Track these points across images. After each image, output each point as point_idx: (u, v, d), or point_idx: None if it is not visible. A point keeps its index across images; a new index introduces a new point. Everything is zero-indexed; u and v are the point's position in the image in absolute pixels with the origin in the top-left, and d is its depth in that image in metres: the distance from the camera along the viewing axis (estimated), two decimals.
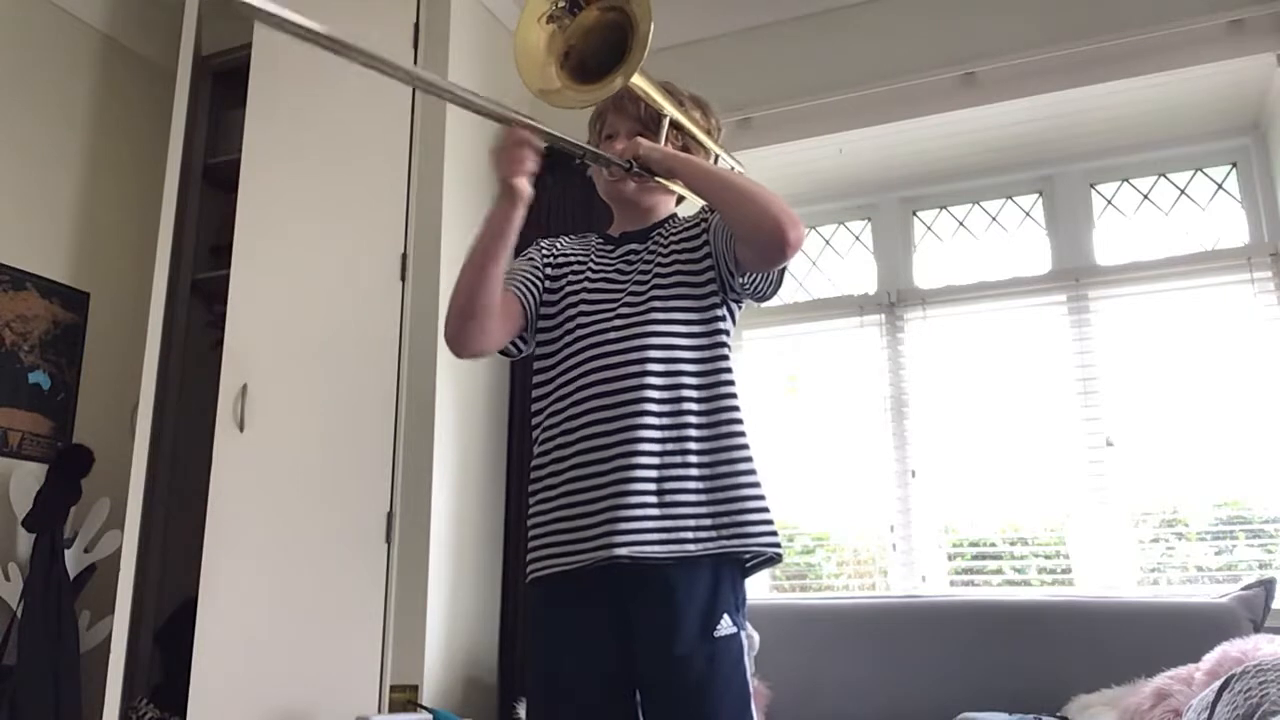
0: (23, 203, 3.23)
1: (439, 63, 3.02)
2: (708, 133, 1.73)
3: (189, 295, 3.41)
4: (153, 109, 3.50)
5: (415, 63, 2.94)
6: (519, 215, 1.47)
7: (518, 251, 1.60)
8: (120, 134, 3.56)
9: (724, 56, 3.37)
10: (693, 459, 1.50)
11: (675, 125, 1.66)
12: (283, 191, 2.98)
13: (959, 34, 3.09)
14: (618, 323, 1.56)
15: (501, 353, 1.64)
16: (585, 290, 1.62)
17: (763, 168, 3.24)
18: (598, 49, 1.50)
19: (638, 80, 1.56)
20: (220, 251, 3.36)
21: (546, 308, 1.64)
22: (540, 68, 1.52)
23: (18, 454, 3.10)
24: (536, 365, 1.63)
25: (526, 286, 1.63)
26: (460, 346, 1.55)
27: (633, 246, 1.66)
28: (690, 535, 1.46)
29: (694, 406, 1.52)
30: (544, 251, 1.70)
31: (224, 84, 3.52)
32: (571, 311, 1.61)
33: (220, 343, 2.98)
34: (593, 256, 1.68)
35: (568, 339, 1.59)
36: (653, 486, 1.47)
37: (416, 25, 2.99)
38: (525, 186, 1.46)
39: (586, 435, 1.51)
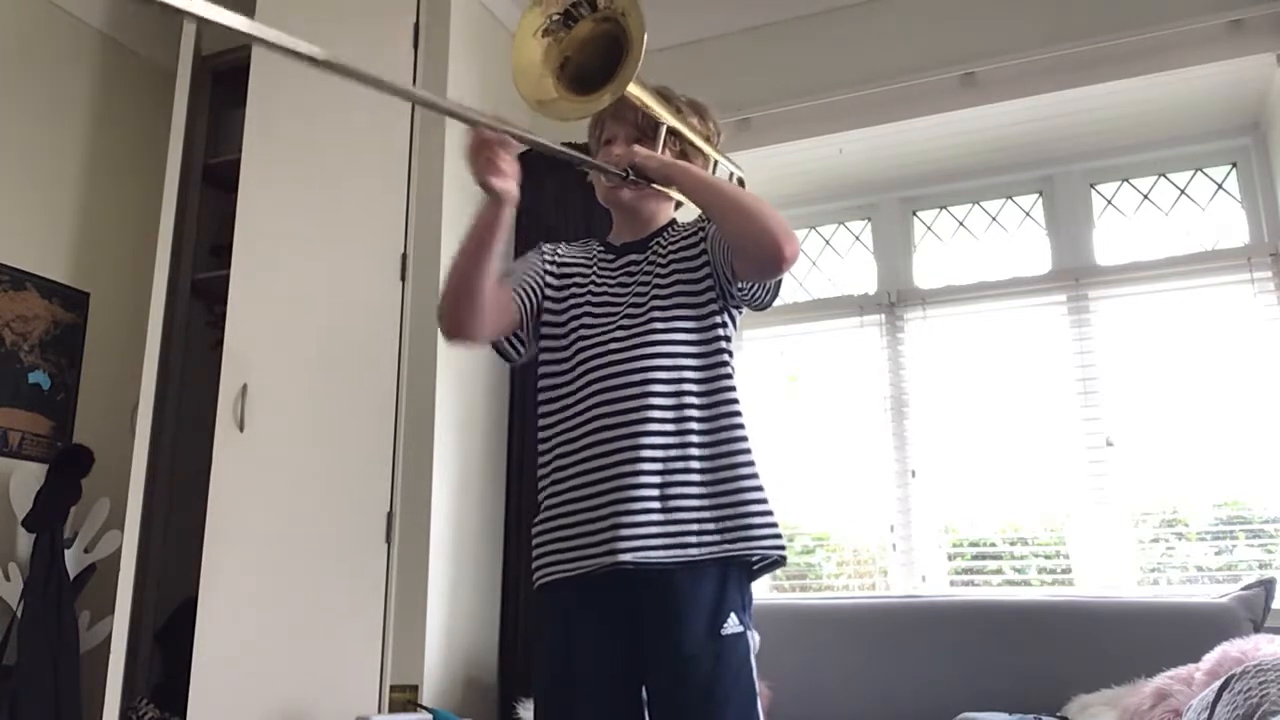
0: (23, 203, 3.23)
1: (439, 63, 3.02)
2: (706, 138, 1.73)
3: (189, 295, 3.41)
4: (153, 109, 3.50)
5: (415, 63, 2.94)
6: (505, 216, 1.46)
7: (519, 253, 1.61)
8: (120, 134, 3.56)
9: (724, 56, 3.37)
10: (695, 464, 1.51)
11: (673, 132, 1.66)
12: (283, 191, 2.98)
13: (959, 34, 3.09)
14: (619, 334, 1.56)
15: (499, 352, 1.64)
16: (589, 302, 1.63)
17: (762, 168, 3.25)
18: (593, 60, 1.51)
19: (634, 89, 1.57)
20: (220, 251, 3.36)
21: (551, 315, 1.64)
22: (537, 80, 1.53)
23: (18, 454, 3.10)
24: (541, 372, 1.63)
25: (526, 290, 1.63)
26: (449, 330, 1.55)
27: (633, 257, 1.67)
28: (694, 540, 1.47)
29: (696, 414, 1.53)
30: (546, 257, 1.70)
31: (224, 84, 3.52)
32: (575, 324, 1.61)
33: (220, 343, 2.98)
34: (595, 268, 1.68)
35: (574, 349, 1.59)
36: (656, 492, 1.48)
37: (416, 25, 2.99)
38: (507, 188, 1.42)
39: (591, 443, 1.51)
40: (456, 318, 1.53)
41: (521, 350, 1.66)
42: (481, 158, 1.40)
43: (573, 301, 1.64)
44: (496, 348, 1.64)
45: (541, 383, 1.63)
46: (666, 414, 1.51)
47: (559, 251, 1.72)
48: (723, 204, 1.52)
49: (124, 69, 3.61)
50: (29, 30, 3.30)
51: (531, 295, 1.64)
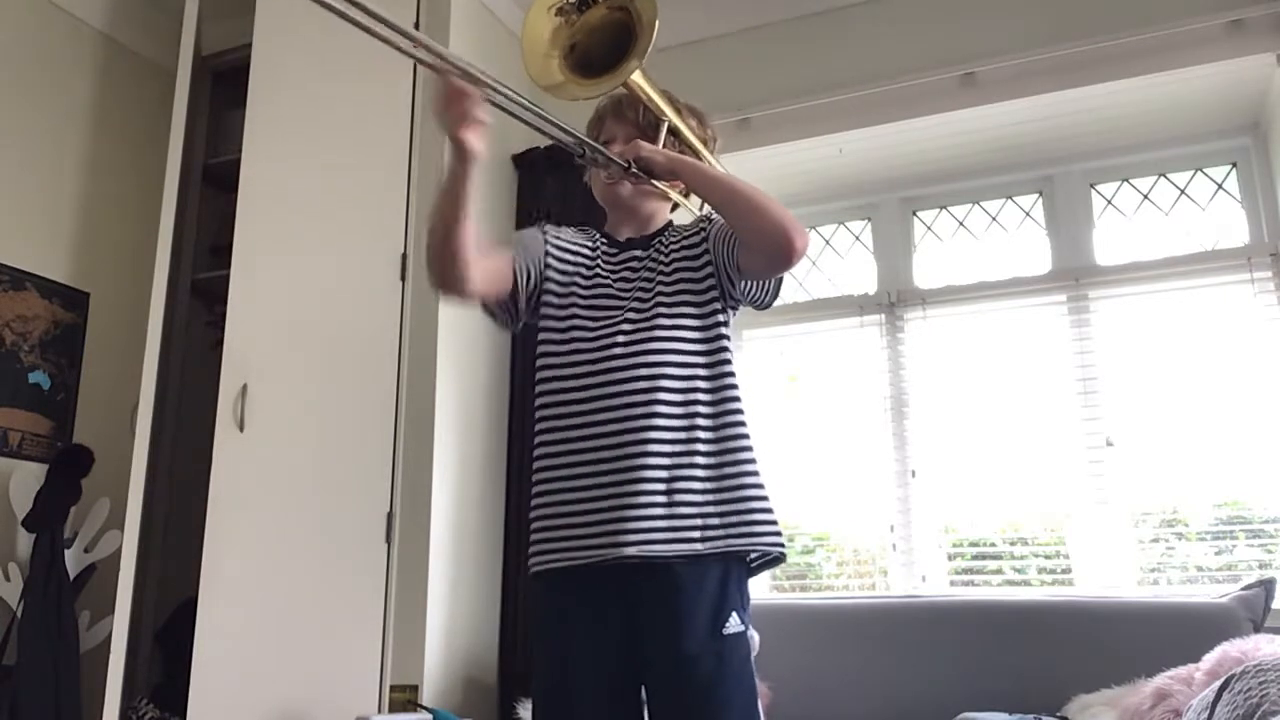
0: (23, 203, 3.23)
1: None
2: (704, 143, 1.73)
3: (189, 295, 3.41)
4: (153, 109, 3.50)
5: (415, 63, 2.94)
6: (473, 174, 1.42)
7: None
8: (120, 134, 3.56)
9: (724, 56, 3.37)
10: (700, 459, 1.50)
11: (673, 132, 1.66)
12: (283, 191, 2.98)
13: (959, 34, 3.09)
14: (625, 327, 1.55)
15: (487, 314, 1.62)
16: (593, 294, 1.61)
17: (762, 168, 3.25)
18: (601, 47, 1.51)
19: (641, 81, 1.56)
20: (220, 251, 3.36)
21: (553, 301, 1.62)
22: (542, 58, 1.53)
23: (18, 454, 3.10)
24: (541, 361, 1.61)
25: (527, 265, 1.60)
26: (435, 282, 1.51)
27: (635, 253, 1.66)
28: (698, 534, 1.47)
29: (703, 409, 1.53)
30: (550, 240, 1.66)
31: (224, 84, 3.52)
32: (578, 316, 1.60)
33: (220, 343, 2.98)
34: (600, 258, 1.67)
35: (576, 340, 1.57)
36: (663, 487, 1.47)
37: (416, 25, 2.99)
38: (475, 143, 1.38)
39: (599, 432, 1.50)
40: (440, 271, 1.48)
41: (511, 320, 1.63)
42: (455, 110, 1.35)
43: (576, 290, 1.62)
44: (485, 309, 1.61)
45: (541, 371, 1.60)
46: (675, 409, 1.51)
47: (562, 237, 1.70)
48: (732, 197, 1.52)
49: (124, 69, 3.61)
50: (29, 30, 3.30)
51: (531, 271, 1.61)
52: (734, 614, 1.46)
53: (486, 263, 1.53)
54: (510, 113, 1.46)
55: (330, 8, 1.20)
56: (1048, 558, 3.09)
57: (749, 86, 3.27)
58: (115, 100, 3.56)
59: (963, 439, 3.19)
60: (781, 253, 1.46)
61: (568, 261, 1.65)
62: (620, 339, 1.54)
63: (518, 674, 2.84)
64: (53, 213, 3.33)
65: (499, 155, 3.24)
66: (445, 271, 1.48)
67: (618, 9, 1.51)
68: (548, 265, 1.63)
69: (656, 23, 1.43)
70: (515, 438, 3.09)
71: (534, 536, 1.56)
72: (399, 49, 1.33)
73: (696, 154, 1.70)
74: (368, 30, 1.26)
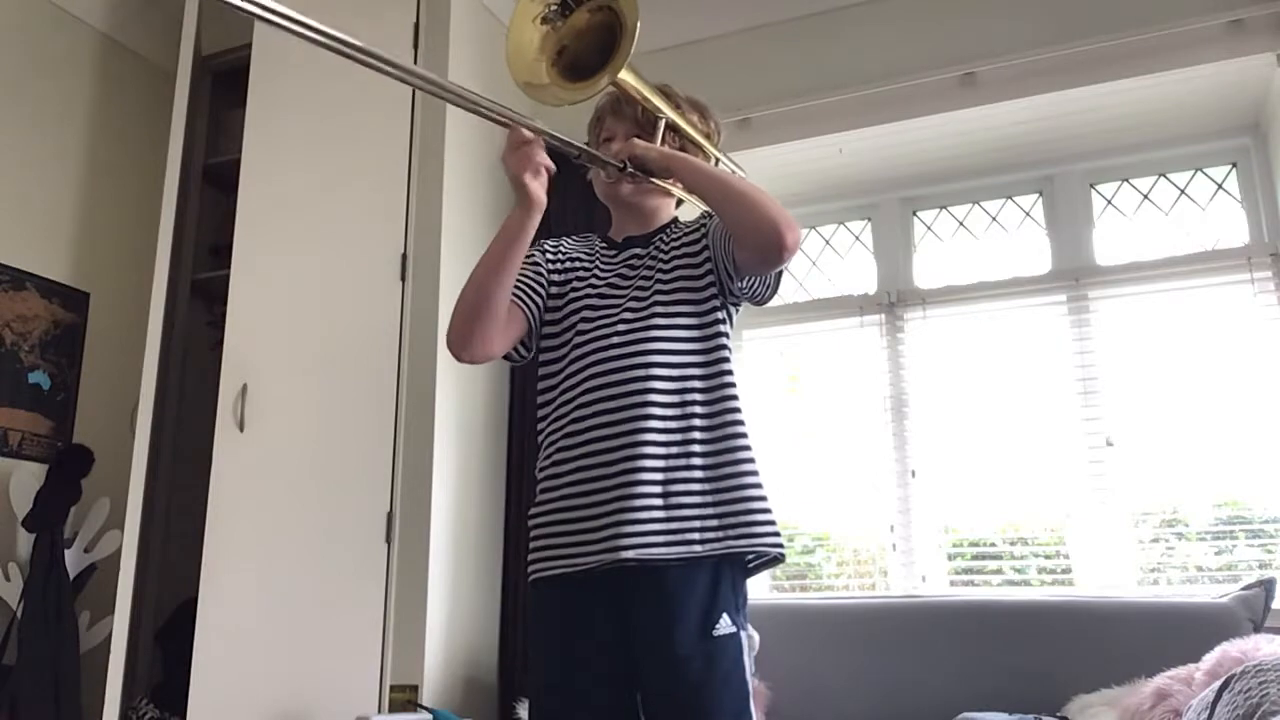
0: (23, 203, 3.23)
1: (439, 63, 3.02)
2: (707, 136, 1.72)
3: (189, 295, 3.41)
4: (153, 109, 3.51)
5: (415, 63, 2.94)
6: (534, 222, 1.49)
7: None
8: (120, 134, 3.56)
9: (724, 56, 3.37)
10: (697, 460, 1.50)
11: (672, 128, 1.65)
12: (283, 191, 2.98)
13: (959, 34, 3.09)
14: (621, 328, 1.56)
15: (506, 358, 1.64)
16: (589, 296, 1.62)
17: (762, 168, 3.25)
18: (590, 50, 1.51)
19: (632, 81, 1.56)
20: (220, 251, 3.36)
21: (551, 313, 1.64)
22: (530, 65, 1.53)
23: (18, 454, 3.10)
24: (541, 369, 1.63)
25: (529, 294, 1.62)
26: (462, 350, 1.56)
27: (636, 251, 1.66)
28: (696, 536, 1.47)
29: (699, 409, 1.53)
30: (548, 255, 1.69)
31: (224, 84, 3.52)
32: (575, 319, 1.61)
33: (220, 343, 2.99)
34: (598, 261, 1.68)
35: (572, 343, 1.59)
36: (658, 489, 1.47)
37: (416, 25, 3.00)
38: (540, 192, 1.48)
39: (592, 439, 1.51)
40: (471, 333, 1.53)
41: (526, 354, 1.65)
42: (521, 155, 1.45)
43: (572, 295, 1.64)
44: (505, 357, 1.63)
45: (542, 383, 1.62)
46: (669, 410, 1.51)
47: (561, 248, 1.72)
48: (723, 193, 1.52)
49: (124, 69, 3.61)
50: (30, 31, 3.30)
51: (536, 300, 1.63)
52: (725, 615, 1.46)
53: (507, 318, 1.57)
54: (501, 123, 1.46)
55: (328, 46, 1.22)
56: (1048, 558, 3.09)
57: (749, 86, 3.27)
58: (115, 100, 3.56)
59: (963, 439, 3.19)
60: (773, 248, 1.46)
61: (566, 269, 1.67)
62: (616, 339, 1.55)
63: (518, 674, 2.85)
64: (53, 213, 3.33)
65: (493, 159, 3.23)
66: (477, 334, 1.53)
67: (600, 9, 1.50)
68: (551, 281, 1.65)
69: (638, 26, 1.43)
70: (515, 438, 3.09)
71: (533, 543, 1.57)
72: (397, 79, 1.35)
73: (700, 148, 1.70)
74: (367, 64, 1.28)
